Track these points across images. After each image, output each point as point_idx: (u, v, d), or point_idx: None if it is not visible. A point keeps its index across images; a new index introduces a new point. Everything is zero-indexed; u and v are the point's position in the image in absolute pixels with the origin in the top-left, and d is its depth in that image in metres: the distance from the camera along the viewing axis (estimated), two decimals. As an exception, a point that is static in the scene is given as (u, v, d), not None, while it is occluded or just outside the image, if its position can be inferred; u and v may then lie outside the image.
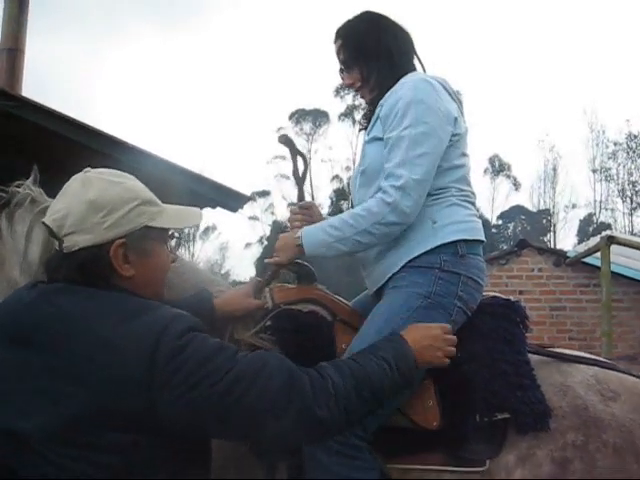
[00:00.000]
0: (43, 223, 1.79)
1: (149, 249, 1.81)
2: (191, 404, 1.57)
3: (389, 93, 2.33)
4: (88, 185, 1.76)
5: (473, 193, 2.37)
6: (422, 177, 2.16)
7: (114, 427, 1.56)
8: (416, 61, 2.48)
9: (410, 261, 2.22)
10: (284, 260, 2.30)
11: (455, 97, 2.39)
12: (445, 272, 2.18)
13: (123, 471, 1.56)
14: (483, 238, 2.31)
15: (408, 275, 2.21)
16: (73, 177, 1.83)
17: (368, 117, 2.50)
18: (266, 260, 2.36)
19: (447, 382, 2.15)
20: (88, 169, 1.84)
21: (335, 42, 2.47)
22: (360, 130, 2.57)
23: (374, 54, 2.40)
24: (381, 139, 2.29)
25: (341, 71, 2.48)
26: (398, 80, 2.35)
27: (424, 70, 2.48)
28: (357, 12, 2.49)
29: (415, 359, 1.85)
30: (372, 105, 2.46)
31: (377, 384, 1.76)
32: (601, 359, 2.45)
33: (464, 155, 2.35)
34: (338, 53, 2.46)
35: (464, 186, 2.32)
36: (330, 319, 2.27)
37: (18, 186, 2.27)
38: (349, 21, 2.48)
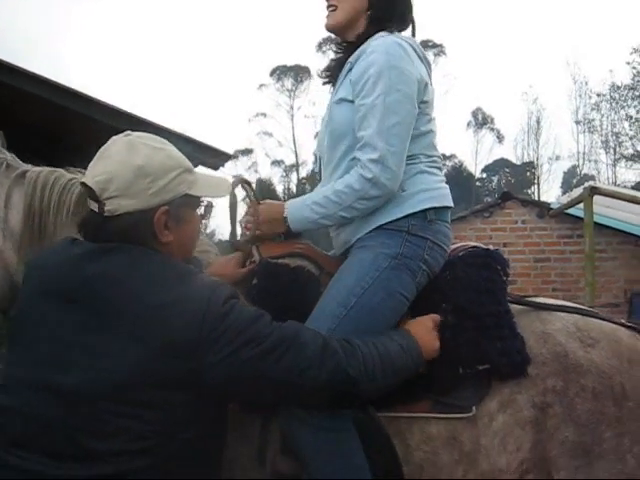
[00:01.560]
0: (83, 184, 1.81)
1: (185, 216, 1.88)
2: (233, 367, 1.69)
3: (359, 52, 2.29)
4: (133, 150, 1.79)
5: (440, 157, 2.38)
6: (398, 148, 2.17)
7: (163, 385, 1.64)
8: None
9: (378, 226, 2.24)
10: (268, 233, 2.33)
11: (425, 59, 2.35)
12: (413, 235, 2.21)
13: (164, 429, 1.65)
14: (451, 204, 2.32)
15: (376, 236, 2.22)
16: (112, 139, 1.85)
17: (332, 70, 2.45)
18: (248, 233, 2.36)
19: None
20: (129, 132, 1.86)
21: None
22: (324, 84, 2.50)
23: None
24: (350, 101, 2.26)
25: None
26: (375, 31, 2.31)
27: (414, 34, 2.43)
28: None
29: (421, 350, 2.03)
30: (340, 57, 2.40)
31: (397, 361, 1.93)
32: (582, 307, 2.49)
33: (431, 120, 2.34)
34: None
35: (432, 152, 2.33)
36: (317, 273, 2.30)
37: None
38: None
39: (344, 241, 2.33)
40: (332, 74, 2.45)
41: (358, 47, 2.32)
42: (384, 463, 2.08)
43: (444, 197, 2.30)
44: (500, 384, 2.18)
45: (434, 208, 2.25)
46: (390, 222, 2.22)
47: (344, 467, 2.01)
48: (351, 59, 2.31)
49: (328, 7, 2.38)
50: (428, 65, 2.37)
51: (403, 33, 2.41)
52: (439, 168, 2.35)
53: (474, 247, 2.39)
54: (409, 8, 2.44)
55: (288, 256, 2.30)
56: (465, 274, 2.27)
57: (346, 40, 2.41)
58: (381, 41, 2.25)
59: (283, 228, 2.31)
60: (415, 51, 2.29)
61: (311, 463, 2.01)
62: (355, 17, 2.36)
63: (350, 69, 2.29)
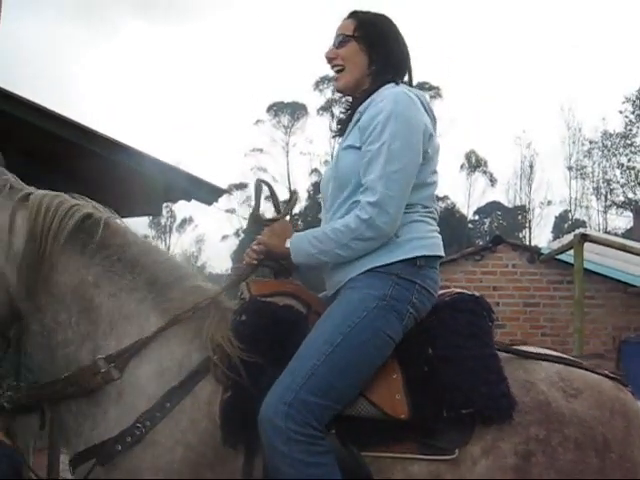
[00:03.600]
0: None
1: None
2: None
3: (369, 101, 2.37)
4: None
5: (436, 210, 2.44)
6: (397, 193, 2.23)
7: None
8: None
9: (370, 269, 2.28)
10: (277, 244, 2.36)
11: (430, 112, 2.43)
12: (402, 279, 2.25)
13: None
14: (442, 254, 2.38)
15: (366, 278, 2.27)
16: None
17: (343, 123, 2.54)
18: (258, 238, 2.41)
19: (416, 375, 2.23)
20: None
21: (347, 19, 2.48)
22: (334, 137, 2.64)
23: (387, 52, 2.44)
24: (357, 148, 2.33)
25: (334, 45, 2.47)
26: (381, 85, 2.39)
27: (411, 84, 2.51)
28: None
29: None
30: (351, 108, 2.49)
31: None
32: (566, 357, 2.51)
33: (435, 172, 2.41)
34: (349, 28, 2.45)
35: (430, 203, 2.39)
36: (305, 312, 2.32)
37: None
38: (372, 12, 2.50)
39: (337, 281, 2.36)
40: (343, 127, 2.53)
41: (366, 99, 2.39)
42: None
43: (436, 246, 2.35)
44: (483, 430, 2.19)
45: (425, 256, 2.29)
46: (381, 266, 2.26)
47: None
48: (360, 109, 2.39)
49: (333, 67, 2.47)
50: (433, 118, 2.43)
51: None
52: (434, 219, 2.40)
53: (460, 293, 2.44)
54: (407, 57, 2.51)
55: (277, 295, 2.33)
56: (451, 318, 2.31)
57: (354, 97, 2.49)
58: (390, 91, 2.34)
59: (282, 250, 2.34)
60: (422, 103, 2.38)
61: None
62: (361, 75, 2.43)
63: (359, 118, 2.37)
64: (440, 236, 2.40)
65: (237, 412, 2.11)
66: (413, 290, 2.26)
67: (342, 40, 2.44)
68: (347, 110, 2.53)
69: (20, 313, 2.27)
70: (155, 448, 2.10)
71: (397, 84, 2.40)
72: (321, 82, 44.01)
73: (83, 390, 2.18)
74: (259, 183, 2.51)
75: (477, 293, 2.47)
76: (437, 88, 44.97)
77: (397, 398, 2.18)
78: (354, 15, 2.49)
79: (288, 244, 2.33)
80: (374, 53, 2.43)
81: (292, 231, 2.39)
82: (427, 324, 2.31)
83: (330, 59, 2.46)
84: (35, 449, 4.74)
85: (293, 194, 2.73)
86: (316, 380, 2.10)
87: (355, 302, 2.23)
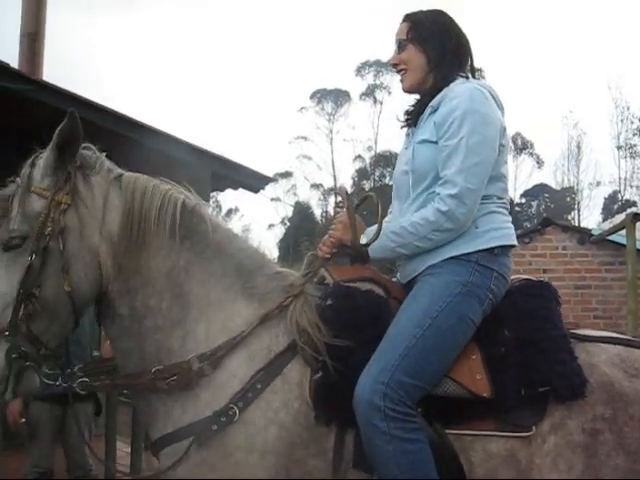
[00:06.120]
0: None
1: None
2: None
3: (441, 97, 2.43)
4: None
5: (508, 201, 2.53)
6: (476, 186, 2.32)
7: None
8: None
9: (449, 257, 2.36)
10: (350, 239, 2.42)
11: (500, 104, 2.49)
12: (481, 266, 2.35)
13: None
14: (515, 243, 2.46)
15: (447, 265, 2.36)
16: None
17: (412, 114, 2.59)
18: (330, 232, 2.48)
19: (494, 356, 2.29)
20: None
21: (401, 22, 2.59)
22: (402, 127, 2.66)
23: (441, 46, 2.50)
24: (433, 142, 2.40)
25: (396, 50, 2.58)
26: (448, 82, 2.46)
27: (474, 76, 2.58)
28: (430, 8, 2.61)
29: None
30: (420, 102, 2.55)
31: None
32: (626, 337, 2.54)
33: (506, 163, 2.51)
34: (403, 32, 2.55)
35: (503, 195, 2.50)
36: (385, 297, 2.40)
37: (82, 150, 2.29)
38: (423, 11, 2.59)
39: (412, 269, 2.43)
40: (411, 119, 2.60)
41: (434, 95, 2.46)
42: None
43: (511, 236, 2.45)
44: (553, 407, 2.26)
45: (501, 246, 2.38)
46: (462, 254, 2.34)
47: (419, 478, 2.11)
48: (432, 103, 2.46)
49: (399, 72, 2.58)
50: (502, 109, 2.50)
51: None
52: (507, 209, 2.49)
53: (528, 279, 2.52)
54: (463, 46, 2.57)
55: (359, 280, 2.40)
56: (524, 302, 2.41)
57: (421, 94, 2.56)
58: (463, 87, 2.42)
59: (355, 244, 2.41)
60: (493, 97, 2.44)
61: (386, 472, 2.12)
62: (422, 74, 2.52)
63: (432, 112, 2.44)
64: (512, 226, 2.47)
65: (329, 392, 2.20)
66: (491, 277, 2.35)
67: (400, 45, 2.56)
68: (416, 104, 2.59)
69: (106, 295, 2.29)
70: (248, 427, 2.18)
71: (467, 79, 2.48)
72: (362, 68, 43.83)
73: (174, 387, 2.23)
74: (345, 194, 2.53)
75: (543, 279, 2.55)
76: (480, 70, 44.17)
77: (478, 378, 2.25)
78: (406, 18, 2.58)
79: (364, 240, 2.40)
80: (430, 50, 2.51)
81: (364, 225, 2.47)
82: (501, 307, 2.38)
83: (394, 65, 2.58)
84: (92, 435, 4.81)
85: (372, 197, 2.68)
86: (409, 361, 2.19)
87: (440, 287, 2.32)
